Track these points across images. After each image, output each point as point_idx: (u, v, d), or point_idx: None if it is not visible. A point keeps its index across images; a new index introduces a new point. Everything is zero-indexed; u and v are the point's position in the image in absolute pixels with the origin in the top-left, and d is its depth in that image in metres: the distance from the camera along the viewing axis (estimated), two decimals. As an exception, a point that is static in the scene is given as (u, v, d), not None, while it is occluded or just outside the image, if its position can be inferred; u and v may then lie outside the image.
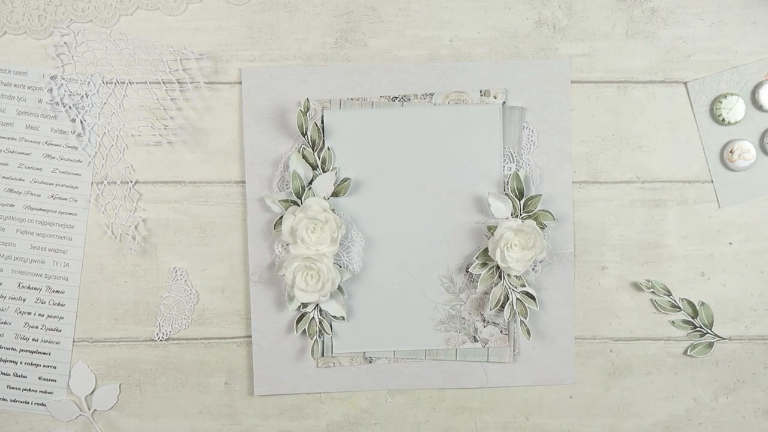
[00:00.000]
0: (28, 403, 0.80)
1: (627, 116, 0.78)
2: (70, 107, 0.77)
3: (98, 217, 0.78)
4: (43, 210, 0.78)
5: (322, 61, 0.77)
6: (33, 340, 0.79)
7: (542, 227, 0.76)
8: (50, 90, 0.77)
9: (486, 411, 0.80)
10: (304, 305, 0.77)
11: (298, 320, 0.77)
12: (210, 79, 0.77)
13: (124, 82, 0.77)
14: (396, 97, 0.77)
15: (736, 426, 0.81)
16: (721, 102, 0.77)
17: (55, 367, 0.79)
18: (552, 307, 0.79)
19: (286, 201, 0.75)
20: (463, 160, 0.77)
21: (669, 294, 0.79)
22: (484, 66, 0.77)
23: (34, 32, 0.76)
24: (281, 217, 0.75)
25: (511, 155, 0.77)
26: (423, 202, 0.77)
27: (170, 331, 0.79)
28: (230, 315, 0.79)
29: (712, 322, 0.79)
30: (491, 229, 0.76)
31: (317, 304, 0.77)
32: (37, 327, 0.79)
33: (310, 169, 0.76)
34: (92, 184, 0.78)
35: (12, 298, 0.78)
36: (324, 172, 0.76)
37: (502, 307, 0.77)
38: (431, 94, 0.77)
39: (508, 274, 0.76)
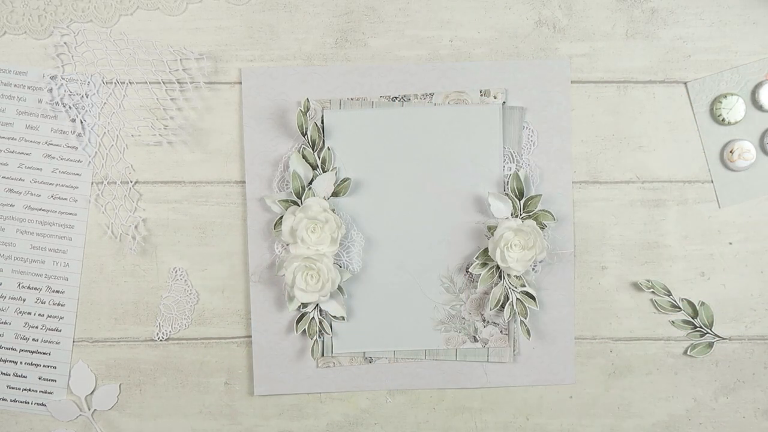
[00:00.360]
0: (28, 403, 0.80)
1: (627, 116, 0.78)
2: (70, 107, 0.77)
3: (98, 217, 0.78)
4: (43, 210, 0.78)
5: (322, 61, 0.77)
6: (33, 340, 0.79)
7: (542, 227, 0.76)
8: (50, 90, 0.77)
9: (486, 411, 0.80)
10: (304, 305, 0.77)
11: (298, 320, 0.77)
12: (210, 79, 0.77)
13: (124, 82, 0.77)
14: (396, 97, 0.77)
15: (736, 426, 0.81)
16: (721, 102, 0.77)
17: (55, 367, 0.79)
18: (552, 307, 0.79)
19: (286, 201, 0.75)
20: (463, 160, 0.77)
21: (669, 294, 0.79)
22: (484, 66, 0.77)
23: (34, 32, 0.76)
24: (281, 217, 0.75)
25: (511, 155, 0.77)
26: (423, 202, 0.77)
27: (170, 331, 0.79)
28: (230, 315, 0.79)
29: (712, 322, 0.79)
30: (491, 229, 0.76)
31: (317, 304, 0.77)
32: (37, 327, 0.79)
33: (310, 169, 0.76)
34: (92, 184, 0.78)
35: (12, 298, 0.78)
36: (324, 172, 0.76)
37: (502, 307, 0.77)
38: (431, 94, 0.77)
39: (508, 274, 0.76)
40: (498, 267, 0.76)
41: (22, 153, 0.77)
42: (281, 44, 0.77)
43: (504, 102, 0.77)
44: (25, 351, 0.79)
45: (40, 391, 0.79)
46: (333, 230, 0.73)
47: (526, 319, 0.76)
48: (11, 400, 0.79)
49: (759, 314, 0.79)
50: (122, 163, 0.78)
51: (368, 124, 0.77)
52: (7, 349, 0.79)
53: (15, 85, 0.77)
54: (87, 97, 0.77)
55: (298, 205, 0.75)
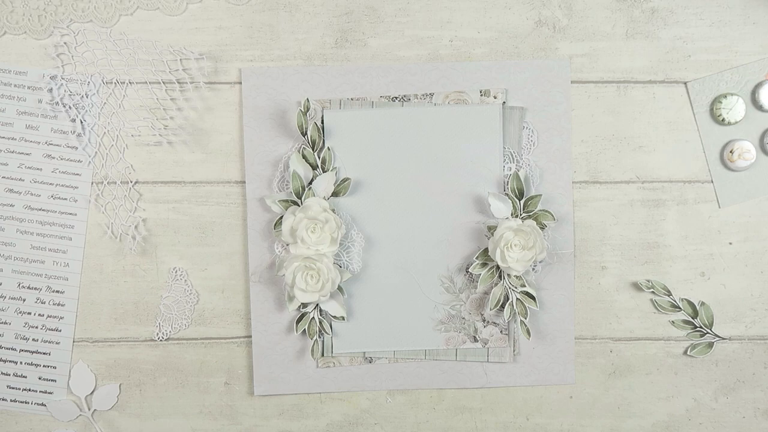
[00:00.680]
0: (28, 403, 0.80)
1: (627, 116, 0.78)
2: (70, 107, 0.77)
3: (98, 217, 0.78)
4: (43, 210, 0.78)
5: (322, 61, 0.77)
6: (33, 340, 0.79)
7: (542, 227, 0.76)
8: (50, 90, 0.77)
9: (486, 411, 0.80)
10: (304, 305, 0.77)
11: (298, 320, 0.77)
12: (210, 79, 0.77)
13: (124, 82, 0.77)
14: (396, 97, 0.77)
15: (736, 426, 0.81)
16: (721, 102, 0.77)
17: (55, 367, 0.79)
18: (552, 307, 0.79)
19: (286, 201, 0.75)
20: (463, 160, 0.77)
21: (669, 294, 0.79)
22: (484, 66, 0.77)
23: (34, 32, 0.76)
24: (281, 217, 0.75)
25: (511, 155, 0.77)
26: (423, 202, 0.77)
27: (170, 331, 0.79)
28: (230, 315, 0.79)
29: (712, 322, 0.79)
30: (491, 229, 0.76)
31: (317, 304, 0.77)
32: (37, 327, 0.79)
33: (310, 169, 0.76)
34: (92, 184, 0.78)
35: (12, 298, 0.78)
36: (324, 172, 0.76)
37: (502, 307, 0.77)
38: (431, 94, 0.77)
39: (508, 274, 0.76)
40: (498, 267, 0.76)
41: (22, 153, 0.77)
42: (281, 44, 0.77)
43: (504, 102, 0.77)
44: (25, 351, 0.79)
45: (40, 391, 0.79)
46: (333, 230, 0.73)
47: (526, 319, 0.76)
48: (11, 400, 0.79)
49: (759, 314, 0.79)
50: (122, 163, 0.78)
51: (368, 124, 0.77)
52: (7, 349, 0.79)
53: (15, 85, 0.77)
54: (87, 97, 0.77)
55: (298, 205, 0.75)
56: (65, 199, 0.78)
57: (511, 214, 0.76)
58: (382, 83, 0.77)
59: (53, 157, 0.78)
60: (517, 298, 0.76)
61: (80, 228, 0.78)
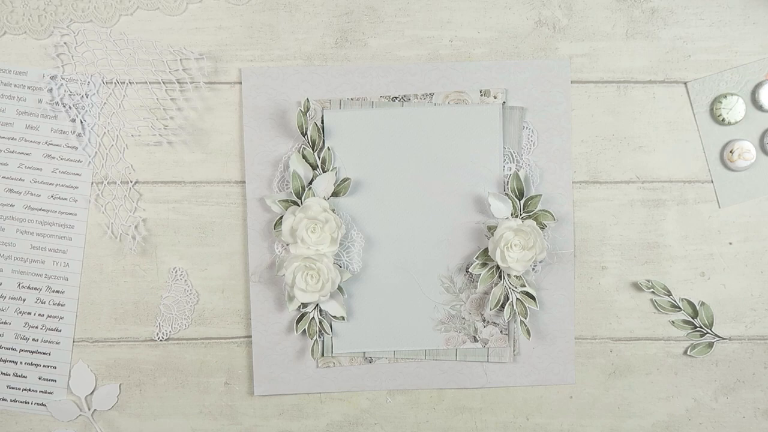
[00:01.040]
0: (28, 403, 0.80)
1: (627, 116, 0.78)
2: (70, 107, 0.77)
3: (98, 217, 0.78)
4: (43, 210, 0.78)
5: (322, 61, 0.77)
6: (33, 340, 0.79)
7: (542, 227, 0.76)
8: (50, 90, 0.77)
9: (486, 411, 0.80)
10: (304, 305, 0.77)
11: (298, 320, 0.77)
12: (210, 79, 0.77)
13: (124, 82, 0.77)
14: (396, 97, 0.77)
15: (736, 426, 0.81)
16: (721, 102, 0.77)
17: (55, 367, 0.79)
18: (552, 307, 0.79)
19: (286, 201, 0.75)
20: (463, 160, 0.77)
21: (669, 294, 0.79)
22: (484, 66, 0.77)
23: (34, 32, 0.76)
24: (281, 217, 0.75)
25: (511, 155, 0.77)
26: (423, 202, 0.77)
27: (170, 331, 0.79)
28: (230, 315, 0.79)
29: (712, 322, 0.79)
30: (491, 229, 0.76)
31: (317, 304, 0.77)
32: (37, 327, 0.79)
33: (310, 169, 0.76)
34: (92, 184, 0.78)
35: (12, 298, 0.78)
36: (324, 172, 0.76)
37: (502, 307, 0.77)
38: (431, 94, 0.77)
39: (508, 274, 0.76)
40: (498, 267, 0.76)
41: (22, 153, 0.77)
42: (281, 44, 0.77)
43: (504, 102, 0.77)
44: (25, 351, 0.79)
45: (40, 391, 0.79)
46: (333, 230, 0.73)
47: (526, 319, 0.76)
48: (11, 400, 0.79)
49: (759, 314, 0.79)
50: (122, 163, 0.78)
51: (368, 124, 0.77)
52: (7, 349, 0.79)
53: (15, 85, 0.77)
54: (87, 97, 0.77)
55: (298, 205, 0.75)
56: (65, 199, 0.78)
57: (511, 214, 0.76)
58: (382, 83, 0.77)
59: (53, 157, 0.78)
60: (517, 298, 0.76)
61: (80, 228, 0.78)
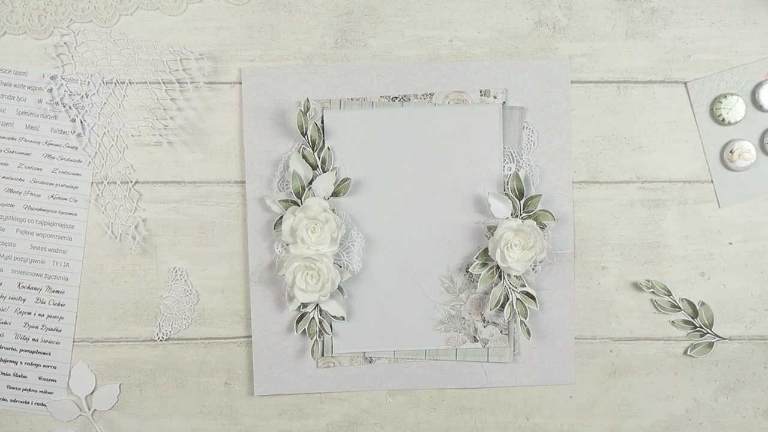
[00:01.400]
0: (28, 403, 0.80)
1: (627, 116, 0.78)
2: (70, 107, 0.77)
3: (98, 217, 0.78)
4: (43, 210, 0.78)
5: (322, 61, 0.77)
6: (33, 340, 0.79)
7: (542, 227, 0.76)
8: (50, 90, 0.77)
9: (486, 411, 0.80)
10: (304, 305, 0.77)
11: (298, 320, 0.77)
12: (210, 79, 0.77)
13: (124, 82, 0.77)
14: (396, 97, 0.77)
15: (736, 426, 0.81)
16: (721, 102, 0.77)
17: (55, 367, 0.79)
18: (552, 307, 0.79)
19: (286, 201, 0.76)
20: (463, 160, 0.77)
21: (669, 294, 0.79)
22: (484, 66, 0.77)
23: (34, 32, 0.76)
24: (281, 217, 0.75)
25: (511, 155, 0.77)
26: (423, 202, 0.77)
27: (170, 331, 0.79)
28: (230, 315, 0.79)
29: (712, 322, 0.79)
30: (491, 229, 0.76)
31: (317, 304, 0.77)
32: (37, 327, 0.79)
33: (310, 169, 0.76)
34: (92, 184, 0.78)
35: (12, 298, 0.78)
36: (324, 172, 0.76)
37: (502, 307, 0.77)
38: (431, 94, 0.77)
39: (508, 274, 0.76)
40: (498, 267, 0.76)
41: (22, 153, 0.77)
42: (281, 44, 0.77)
43: (504, 102, 0.77)
44: (25, 351, 0.79)
45: (40, 391, 0.79)
46: (333, 230, 0.73)
47: (526, 319, 0.76)
48: (11, 400, 0.79)
49: (759, 314, 0.79)
50: (122, 163, 0.78)
51: (368, 124, 0.77)
52: (7, 349, 0.79)
53: (15, 85, 0.77)
54: (87, 97, 0.77)
55: (298, 205, 0.75)
56: (65, 199, 0.78)
57: (511, 214, 0.76)
58: (382, 83, 0.77)
59: (53, 157, 0.78)
60: (517, 298, 0.76)
61: (80, 228, 0.78)
